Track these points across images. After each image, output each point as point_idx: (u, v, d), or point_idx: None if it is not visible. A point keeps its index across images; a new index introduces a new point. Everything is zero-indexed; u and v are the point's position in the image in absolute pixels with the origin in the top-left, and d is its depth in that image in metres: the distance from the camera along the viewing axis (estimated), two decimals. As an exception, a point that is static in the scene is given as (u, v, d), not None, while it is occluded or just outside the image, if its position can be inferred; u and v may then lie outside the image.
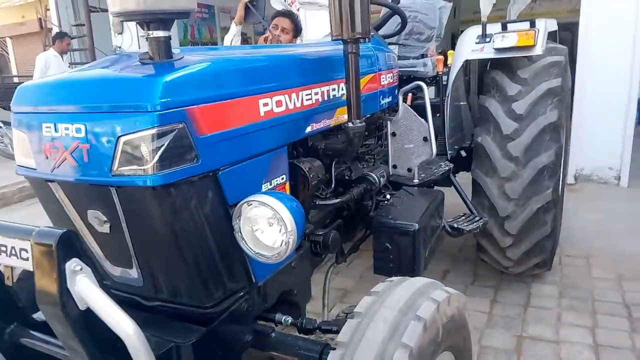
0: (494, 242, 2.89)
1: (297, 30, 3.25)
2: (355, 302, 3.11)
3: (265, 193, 1.43)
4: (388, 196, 2.35)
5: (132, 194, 1.27)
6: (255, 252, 1.40)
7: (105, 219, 1.37)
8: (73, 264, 1.04)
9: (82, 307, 1.07)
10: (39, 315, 1.46)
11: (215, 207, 1.40)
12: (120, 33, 7.52)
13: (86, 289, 1.05)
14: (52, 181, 1.40)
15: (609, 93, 4.98)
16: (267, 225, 1.37)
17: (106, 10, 8.02)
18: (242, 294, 1.55)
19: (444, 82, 3.02)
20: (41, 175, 1.40)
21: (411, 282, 1.47)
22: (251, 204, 1.36)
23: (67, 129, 1.28)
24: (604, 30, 4.98)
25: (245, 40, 4.21)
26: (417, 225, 2.02)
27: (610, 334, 2.66)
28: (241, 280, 1.54)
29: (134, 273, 1.45)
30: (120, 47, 6.87)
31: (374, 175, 2.19)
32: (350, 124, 1.76)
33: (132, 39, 6.88)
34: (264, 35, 3.14)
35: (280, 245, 1.36)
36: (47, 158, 1.34)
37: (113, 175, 1.24)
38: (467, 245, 3.72)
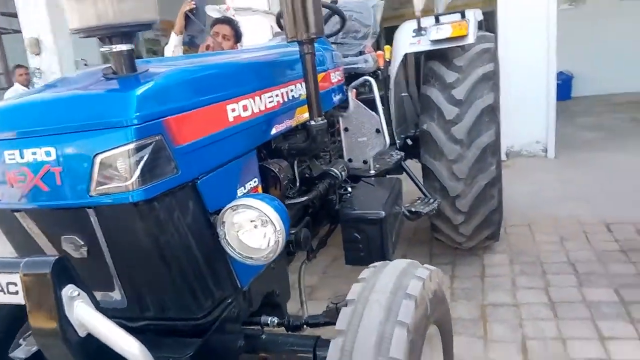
0: (447, 220, 3.06)
1: (237, 36, 3.24)
2: (323, 297, 3.19)
3: (247, 196, 1.45)
4: (349, 189, 2.42)
5: (112, 213, 1.24)
6: (244, 256, 1.40)
7: (82, 243, 1.32)
8: (70, 291, 1.01)
9: (82, 334, 1.04)
10: (15, 354, 1.39)
11: (197, 216, 1.40)
12: (38, 54, 7.09)
13: (85, 315, 1.02)
14: (18, 210, 1.34)
15: (530, 72, 5.38)
16: (253, 228, 1.38)
17: (19, 32, 7.57)
18: (230, 300, 1.56)
19: (386, 75, 3.14)
20: (6, 206, 1.33)
21: (394, 264, 1.54)
22: (236, 209, 1.37)
23: (34, 153, 1.22)
24: (520, 15, 5.37)
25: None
26: (383, 212, 2.10)
27: (562, 291, 2.89)
28: (227, 287, 1.55)
29: (116, 295, 1.42)
30: (39, 69, 6.47)
31: (335, 170, 2.25)
32: (312, 122, 1.80)
33: (50, 60, 6.51)
34: (206, 44, 3.11)
35: (269, 246, 1.38)
36: (13, 187, 1.27)
37: (91, 196, 1.21)
38: (420, 228, 3.89)
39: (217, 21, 3.26)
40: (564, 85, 8.55)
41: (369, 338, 1.28)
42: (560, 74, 8.26)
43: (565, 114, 7.14)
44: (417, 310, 1.35)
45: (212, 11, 3.40)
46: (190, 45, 3.68)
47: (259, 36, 4.46)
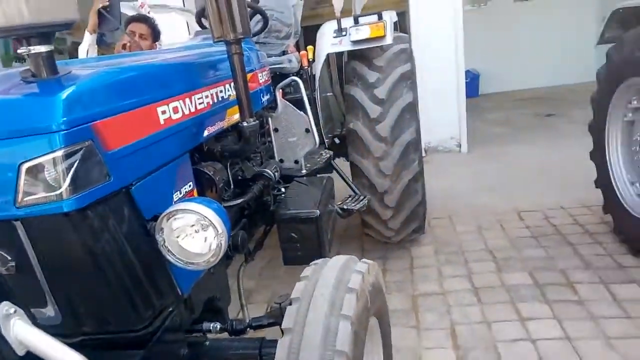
0: (376, 216, 3.17)
1: (155, 35, 3.13)
2: (262, 299, 3.17)
3: (186, 201, 1.41)
4: (283, 189, 2.44)
5: (42, 225, 1.16)
6: (185, 262, 1.37)
7: (9, 259, 1.22)
8: (5, 308, 0.94)
9: (20, 353, 0.97)
10: None
11: (133, 224, 1.35)
12: None
13: (24, 332, 0.95)
14: None
15: (441, 72, 5.69)
16: (194, 233, 1.35)
17: None
18: (171, 309, 1.51)
19: (311, 75, 3.19)
20: None
21: (334, 260, 1.58)
22: (174, 214, 1.33)
23: (-49, 164, 1.11)
24: (430, 16, 5.67)
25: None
26: (318, 211, 2.14)
27: (483, 277, 3.11)
28: (168, 295, 1.50)
29: (49, 311, 1.32)
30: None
31: (269, 171, 2.24)
32: (244, 123, 1.79)
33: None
34: (122, 43, 2.97)
35: (211, 249, 1.36)
36: None
37: (18, 208, 1.12)
38: (350, 225, 3.99)
39: (133, 19, 3.12)
40: (472, 84, 9.13)
41: (315, 334, 1.31)
42: (467, 73, 8.84)
43: (475, 111, 7.64)
44: (358, 302, 1.40)
45: (127, 8, 3.25)
46: (100, 43, 3.48)
47: (176, 34, 4.34)
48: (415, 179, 3.09)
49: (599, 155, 3.47)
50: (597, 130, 3.46)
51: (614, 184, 3.32)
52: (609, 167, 3.37)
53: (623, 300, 2.68)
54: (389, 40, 2.99)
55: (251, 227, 2.32)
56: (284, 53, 3.35)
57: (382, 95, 3.00)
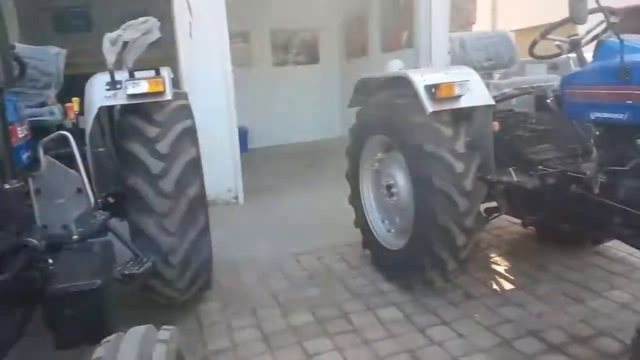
0: (161, 278, 2.98)
1: None
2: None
3: None
4: (50, 260, 2.10)
5: None
6: None
7: None
8: None
9: None
10: None
11: None
12: None
13: None
14: None
15: (215, 127, 5.80)
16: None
17: None
18: None
19: (78, 129, 2.91)
20: None
21: (131, 333, 1.45)
22: None
23: None
24: (201, 75, 5.81)
25: None
26: (99, 280, 1.91)
27: (271, 322, 3.22)
28: None
29: None
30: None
31: (33, 241, 1.92)
32: (7, 186, 1.52)
33: None
34: None
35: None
36: None
37: None
38: (126, 290, 3.64)
39: None
40: (242, 139, 9.60)
41: (118, 423, 1.15)
42: (238, 129, 9.27)
43: (248, 164, 7.99)
44: (166, 375, 1.30)
45: None
46: None
47: None
48: (201, 234, 3.05)
49: (355, 199, 4.07)
50: (353, 178, 4.08)
51: (369, 222, 3.93)
52: (364, 209, 3.99)
53: (386, 322, 3.13)
54: (168, 96, 2.94)
55: (8, 312, 1.92)
56: (43, 104, 2.97)
57: (164, 150, 2.90)
